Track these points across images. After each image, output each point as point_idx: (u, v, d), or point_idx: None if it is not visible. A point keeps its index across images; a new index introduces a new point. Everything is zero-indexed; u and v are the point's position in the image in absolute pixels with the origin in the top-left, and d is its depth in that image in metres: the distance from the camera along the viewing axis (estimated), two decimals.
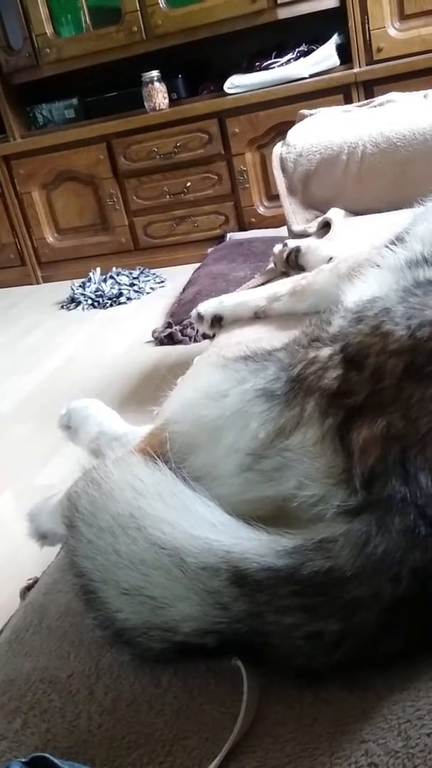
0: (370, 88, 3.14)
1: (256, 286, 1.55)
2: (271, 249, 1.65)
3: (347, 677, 0.58)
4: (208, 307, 1.45)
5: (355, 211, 1.92)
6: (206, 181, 3.57)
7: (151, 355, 2.68)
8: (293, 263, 1.53)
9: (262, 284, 1.56)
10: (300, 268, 1.50)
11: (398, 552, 0.56)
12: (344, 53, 3.26)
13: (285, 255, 1.55)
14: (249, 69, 3.40)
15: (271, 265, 1.65)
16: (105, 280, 3.55)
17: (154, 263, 3.72)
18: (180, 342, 2.68)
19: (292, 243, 1.57)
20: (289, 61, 3.32)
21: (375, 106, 2.20)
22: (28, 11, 3.54)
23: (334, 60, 3.27)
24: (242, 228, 3.58)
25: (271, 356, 0.74)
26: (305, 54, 3.30)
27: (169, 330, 2.73)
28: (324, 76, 3.24)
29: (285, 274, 1.55)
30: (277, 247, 1.59)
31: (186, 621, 0.59)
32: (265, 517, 0.64)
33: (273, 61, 3.35)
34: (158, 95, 3.49)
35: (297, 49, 3.32)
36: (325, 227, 1.85)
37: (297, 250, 1.53)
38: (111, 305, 3.38)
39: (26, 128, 3.95)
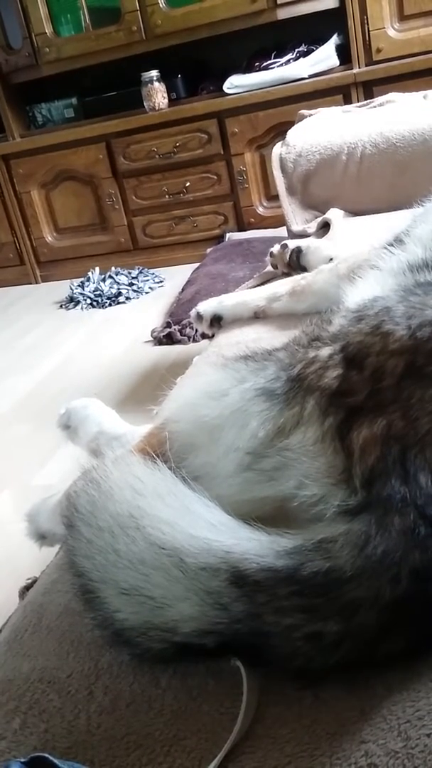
0: (369, 89, 3.15)
1: (253, 287, 1.54)
2: (269, 249, 1.64)
3: (347, 678, 0.58)
4: (207, 306, 1.45)
5: (354, 212, 1.92)
6: (205, 181, 3.57)
7: (150, 354, 2.68)
8: (295, 264, 1.53)
9: (260, 285, 1.55)
10: (302, 269, 1.49)
11: (398, 552, 0.56)
12: (344, 54, 3.26)
13: (287, 256, 1.55)
14: (248, 69, 3.40)
15: (269, 267, 1.64)
16: (104, 280, 3.55)
17: (153, 263, 3.72)
18: (179, 342, 2.68)
19: (292, 243, 1.56)
20: (288, 61, 3.32)
21: (374, 107, 2.20)
22: (28, 11, 3.54)
23: (334, 60, 3.27)
24: (241, 228, 3.59)
25: (271, 356, 0.74)
26: (305, 54, 3.30)
27: (168, 330, 2.73)
28: (323, 77, 3.24)
29: (286, 275, 1.54)
30: (276, 248, 1.58)
31: (185, 621, 0.59)
32: (265, 517, 0.64)
33: (272, 61, 3.35)
34: (158, 95, 3.49)
35: (296, 50, 3.33)
36: (325, 227, 1.85)
37: (299, 251, 1.53)
38: (110, 305, 3.38)
39: (25, 128, 3.95)
